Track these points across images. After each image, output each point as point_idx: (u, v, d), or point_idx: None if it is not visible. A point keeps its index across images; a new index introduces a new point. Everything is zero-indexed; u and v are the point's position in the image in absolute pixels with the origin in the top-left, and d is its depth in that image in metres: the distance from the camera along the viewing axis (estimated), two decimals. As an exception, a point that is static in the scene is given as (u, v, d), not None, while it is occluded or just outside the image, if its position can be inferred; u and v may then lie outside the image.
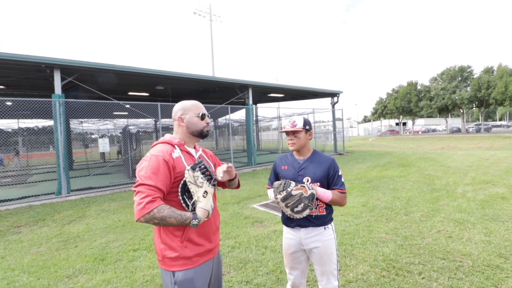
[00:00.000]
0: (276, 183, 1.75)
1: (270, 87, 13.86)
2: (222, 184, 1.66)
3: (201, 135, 1.54)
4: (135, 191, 1.28)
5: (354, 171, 9.52)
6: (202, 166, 1.36)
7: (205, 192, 1.33)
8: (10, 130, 16.42)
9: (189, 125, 1.50)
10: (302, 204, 1.63)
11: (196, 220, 1.29)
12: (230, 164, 1.53)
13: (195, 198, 1.33)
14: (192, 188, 1.33)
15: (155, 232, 1.43)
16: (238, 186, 1.75)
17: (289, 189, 1.65)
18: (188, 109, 1.51)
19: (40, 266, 3.36)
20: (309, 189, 1.67)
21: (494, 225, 3.94)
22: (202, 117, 1.53)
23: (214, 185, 1.40)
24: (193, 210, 1.35)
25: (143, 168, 1.32)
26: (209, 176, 1.36)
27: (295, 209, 1.65)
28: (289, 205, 1.65)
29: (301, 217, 1.69)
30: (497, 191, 5.79)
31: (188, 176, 1.33)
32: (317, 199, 1.75)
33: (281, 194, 1.66)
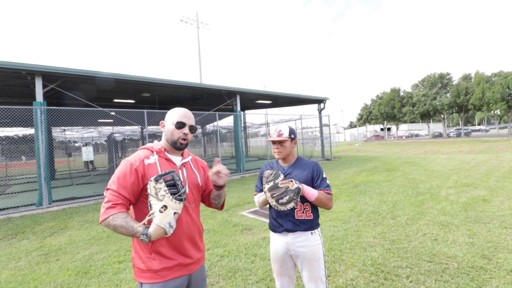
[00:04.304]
0: (267, 172, 1.81)
1: (257, 94, 13.95)
2: (207, 202, 1.63)
3: (174, 145, 1.44)
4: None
5: (342, 176, 9.64)
6: (168, 178, 1.24)
7: (164, 206, 1.19)
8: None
9: (166, 132, 1.45)
10: (287, 197, 1.66)
11: (145, 236, 1.17)
12: (220, 169, 1.43)
13: (151, 211, 1.21)
14: (151, 200, 1.22)
15: (132, 239, 1.38)
16: (222, 207, 1.67)
17: (276, 181, 1.71)
18: (169, 116, 1.46)
19: (19, 282, 3.19)
20: (296, 183, 1.72)
21: (476, 227, 4.06)
22: (178, 125, 1.42)
23: (180, 200, 1.24)
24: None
25: (115, 172, 1.34)
26: (174, 190, 1.23)
27: (280, 201, 1.68)
28: (274, 195, 1.69)
29: (285, 209, 1.69)
30: (478, 194, 5.99)
31: (150, 187, 1.22)
32: (303, 197, 1.77)
33: (268, 184, 1.72)
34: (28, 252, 4.14)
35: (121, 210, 1.24)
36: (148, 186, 1.23)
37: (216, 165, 1.46)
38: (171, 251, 1.35)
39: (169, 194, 1.21)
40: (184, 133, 1.43)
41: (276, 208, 1.73)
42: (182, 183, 1.30)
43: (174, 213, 1.23)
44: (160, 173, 1.32)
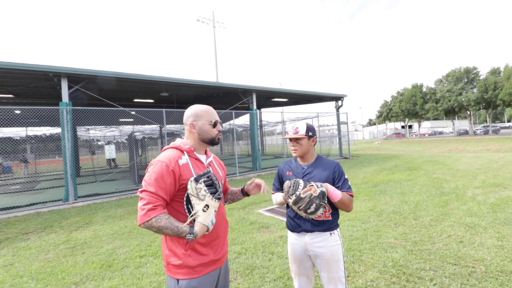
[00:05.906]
0: (286, 184, 1.73)
1: (273, 92, 13.89)
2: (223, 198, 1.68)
3: (212, 142, 1.51)
4: (139, 196, 1.29)
5: (360, 175, 9.43)
6: (207, 178, 1.31)
7: (206, 206, 1.27)
8: (18, 138, 16.70)
9: (200, 132, 1.46)
10: (314, 205, 1.61)
11: (192, 235, 1.24)
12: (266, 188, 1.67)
13: (194, 211, 1.29)
14: (193, 200, 1.29)
15: (162, 237, 1.41)
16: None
17: (297, 192, 1.64)
18: (200, 116, 1.47)
19: (48, 273, 3.38)
20: (318, 187, 1.65)
21: (506, 229, 3.84)
22: (215, 124, 1.49)
23: (219, 198, 1.33)
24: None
25: (148, 174, 1.32)
26: (213, 189, 1.31)
27: (308, 211, 1.64)
28: (301, 208, 1.64)
29: (316, 217, 1.69)
30: (508, 194, 5.67)
31: (190, 188, 1.28)
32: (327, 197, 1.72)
33: (291, 199, 1.66)
34: (56, 245, 4.36)
35: (162, 212, 1.26)
36: (188, 187, 1.29)
37: (263, 182, 1.69)
38: (205, 248, 1.39)
39: (209, 194, 1.29)
40: (218, 130, 1.53)
41: (307, 218, 1.72)
42: (218, 182, 1.36)
43: (214, 211, 1.32)
44: (193, 173, 1.36)
